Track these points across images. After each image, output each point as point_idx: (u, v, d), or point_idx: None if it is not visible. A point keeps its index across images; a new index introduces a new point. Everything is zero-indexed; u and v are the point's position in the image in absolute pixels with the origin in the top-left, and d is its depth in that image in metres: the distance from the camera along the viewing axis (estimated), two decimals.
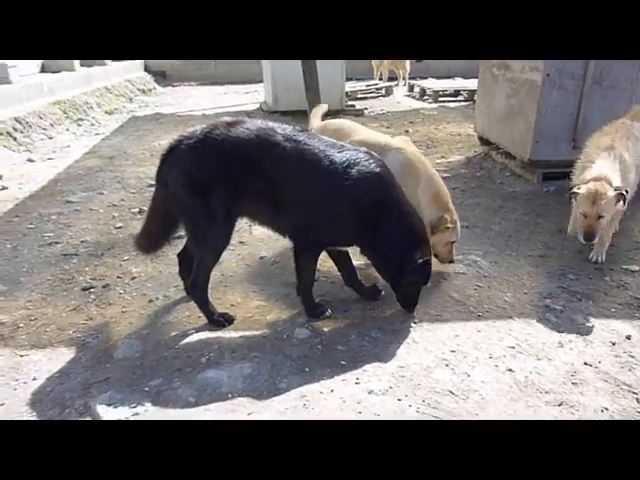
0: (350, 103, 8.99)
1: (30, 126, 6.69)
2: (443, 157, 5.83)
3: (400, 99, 10.21)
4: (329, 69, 8.02)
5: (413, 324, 2.58)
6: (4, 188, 4.83)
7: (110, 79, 10.53)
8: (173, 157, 2.45)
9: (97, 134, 7.30)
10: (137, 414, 1.96)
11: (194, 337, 2.48)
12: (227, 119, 2.53)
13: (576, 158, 4.20)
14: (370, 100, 10.12)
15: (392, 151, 3.06)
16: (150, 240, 2.73)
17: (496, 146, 5.31)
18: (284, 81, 8.09)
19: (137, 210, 4.22)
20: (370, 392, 2.08)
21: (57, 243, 3.59)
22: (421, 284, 2.59)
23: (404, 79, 11.77)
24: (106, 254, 3.43)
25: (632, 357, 2.33)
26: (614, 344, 2.42)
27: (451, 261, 3.07)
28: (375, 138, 3.25)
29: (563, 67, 4.27)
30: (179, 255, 2.86)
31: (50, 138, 6.84)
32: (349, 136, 3.22)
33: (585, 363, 2.29)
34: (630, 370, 2.25)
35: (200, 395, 2.07)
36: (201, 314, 2.63)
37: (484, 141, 5.61)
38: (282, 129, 2.47)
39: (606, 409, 2.02)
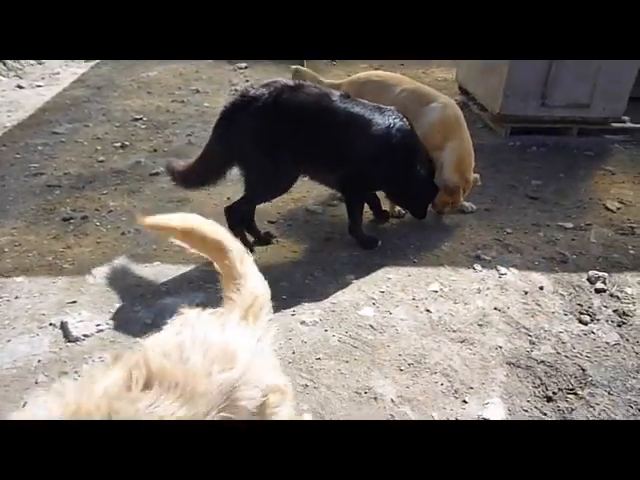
0: None
1: None
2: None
3: None
4: None
5: (352, 267, 2.90)
6: None
7: None
8: (243, 116, 2.70)
9: (86, 62, 7.32)
10: (101, 331, 2.32)
11: (158, 268, 2.80)
12: (289, 83, 2.81)
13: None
14: None
15: (436, 104, 3.34)
16: (197, 179, 2.95)
17: (473, 97, 5.44)
18: None
19: (119, 145, 4.43)
20: (302, 323, 2.44)
21: (42, 174, 3.85)
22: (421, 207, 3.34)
23: None
24: (87, 187, 3.70)
25: (538, 305, 2.68)
26: (526, 293, 2.76)
27: (440, 212, 3.45)
28: (424, 89, 3.49)
29: None
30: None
31: (40, 63, 6.90)
32: (396, 87, 3.43)
33: (495, 308, 2.63)
34: (532, 316, 2.60)
35: (156, 318, 2.42)
36: (167, 248, 2.95)
37: (463, 91, 5.73)
38: (335, 96, 2.84)
39: (500, 347, 2.38)
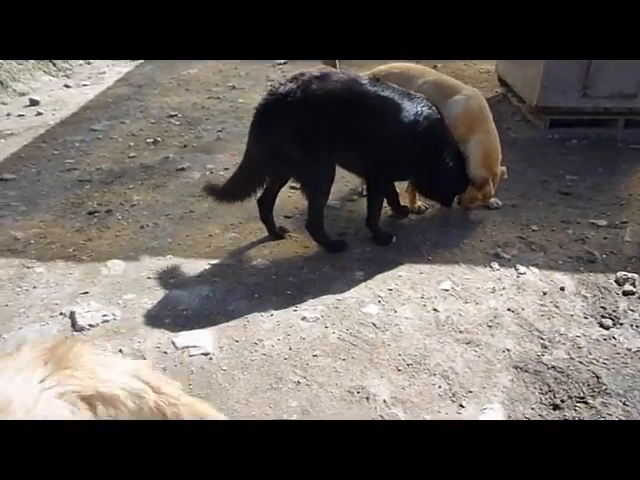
0: None
1: None
2: None
3: None
4: None
5: (363, 263, 2.85)
6: (39, 114, 5.27)
7: None
8: (278, 114, 2.69)
9: (132, 61, 7.57)
10: (106, 321, 2.39)
11: (170, 261, 2.85)
12: (315, 73, 2.77)
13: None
14: None
15: (459, 96, 3.22)
16: (236, 191, 2.93)
17: (512, 88, 5.21)
18: None
19: (152, 140, 4.55)
20: (303, 318, 2.41)
21: (75, 169, 4.01)
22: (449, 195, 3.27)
23: None
24: (115, 182, 3.83)
25: (556, 307, 2.53)
26: (545, 294, 2.61)
27: (467, 208, 3.34)
28: (446, 80, 3.38)
29: None
30: (259, 201, 3.04)
31: (88, 64, 7.19)
32: (418, 78, 3.31)
33: (508, 309, 2.50)
34: (548, 319, 2.45)
35: (161, 310, 2.46)
36: (181, 242, 3.00)
37: (503, 82, 5.50)
38: (364, 80, 2.81)
39: (508, 350, 2.26)
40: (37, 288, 2.65)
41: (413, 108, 2.86)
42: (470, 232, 3.16)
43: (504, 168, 3.31)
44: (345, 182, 3.62)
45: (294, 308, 2.49)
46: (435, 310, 2.49)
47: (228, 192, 2.96)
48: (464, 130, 3.16)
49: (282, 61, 7.23)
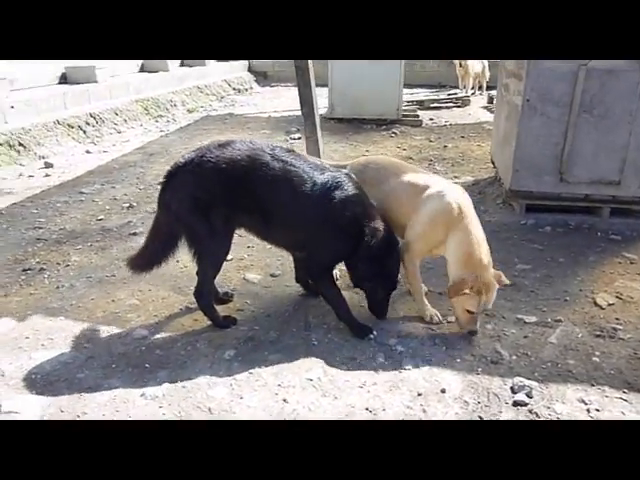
0: (413, 113, 8.84)
1: (103, 121, 7.70)
2: (456, 177, 5.61)
3: (475, 111, 9.76)
4: (385, 76, 8.05)
5: (242, 341, 2.70)
6: (47, 175, 5.72)
7: (205, 79, 11.51)
8: (174, 182, 2.72)
9: (162, 131, 8.13)
10: None
11: (58, 323, 2.86)
12: (218, 141, 2.80)
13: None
14: (443, 110, 9.83)
15: (432, 191, 2.82)
16: (148, 260, 2.93)
17: (497, 170, 5.00)
18: (340, 89, 8.27)
19: (127, 205, 4.76)
20: (142, 395, 2.29)
21: (40, 228, 4.24)
22: (381, 292, 2.82)
23: (481, 89, 11.19)
24: (68, 242, 3.99)
25: (424, 412, 2.23)
26: (420, 395, 2.33)
27: (471, 332, 2.69)
28: (421, 177, 2.99)
29: (546, 93, 3.93)
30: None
31: (119, 132, 7.80)
32: (392, 177, 3.02)
33: (366, 408, 2.25)
34: None
35: (15, 371, 2.45)
36: (82, 304, 3.02)
37: (493, 163, 5.30)
38: (270, 149, 2.71)
39: None
40: None
41: (322, 182, 2.66)
42: (372, 316, 2.91)
43: (499, 272, 2.72)
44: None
45: (142, 383, 2.38)
46: (284, 401, 2.28)
47: (138, 262, 2.94)
48: (440, 230, 2.74)
49: (297, 135, 7.47)
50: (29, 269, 3.52)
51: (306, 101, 4.99)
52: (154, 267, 2.94)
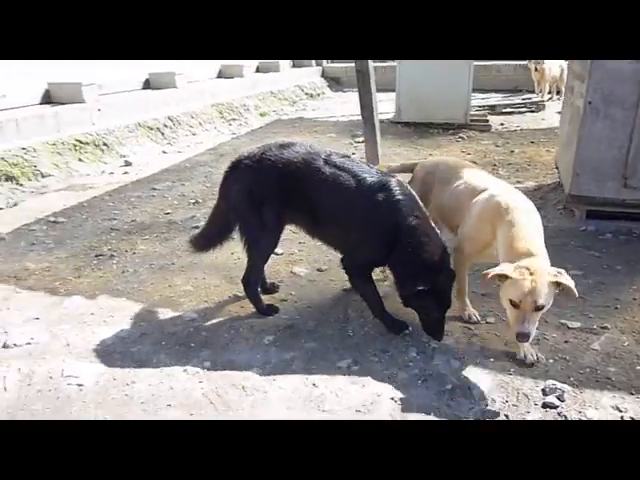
0: (482, 118, 8.67)
1: (180, 123, 8.19)
2: (519, 182, 5.47)
3: (549, 116, 9.39)
4: (453, 80, 7.98)
5: (279, 331, 2.85)
6: (125, 173, 6.20)
7: (278, 84, 11.88)
8: (235, 174, 2.96)
9: (233, 133, 8.52)
10: (29, 344, 2.72)
11: (119, 303, 3.15)
12: (280, 142, 3.00)
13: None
14: (516, 115, 9.55)
15: (483, 195, 2.78)
16: (206, 241, 3.21)
17: (560, 175, 4.84)
18: (408, 93, 8.28)
19: (194, 201, 5.08)
20: (185, 370, 2.50)
21: (114, 219, 4.64)
22: (432, 311, 2.62)
23: (559, 93, 10.71)
24: (137, 232, 4.34)
25: (448, 407, 2.27)
26: (446, 390, 2.36)
27: (520, 336, 2.28)
28: (478, 179, 2.95)
29: (609, 94, 3.78)
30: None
31: (194, 134, 8.26)
32: (456, 179, 3.03)
33: (392, 398, 2.31)
34: None
35: (78, 342, 2.74)
36: (142, 288, 3.30)
37: (557, 168, 5.13)
38: (326, 154, 2.85)
39: None
40: (1, 311, 3.11)
41: (368, 184, 2.70)
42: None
43: (560, 270, 2.35)
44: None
45: (185, 360, 2.59)
46: (314, 385, 2.40)
47: (198, 242, 3.22)
48: (488, 230, 2.65)
49: (361, 139, 7.56)
50: (101, 255, 3.88)
51: (366, 105, 5.10)
52: (210, 249, 3.21)
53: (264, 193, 2.84)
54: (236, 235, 3.05)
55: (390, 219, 2.67)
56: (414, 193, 2.77)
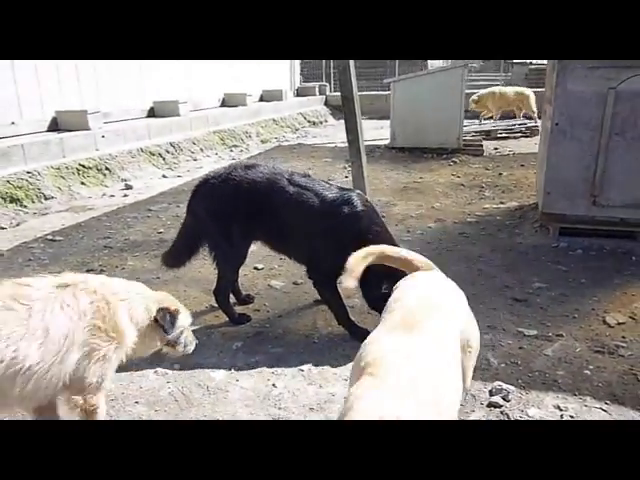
0: (476, 143, 8.88)
1: (181, 149, 8.51)
2: (502, 203, 5.64)
3: None
4: (446, 106, 8.22)
5: (249, 337, 3.01)
6: (125, 195, 6.47)
7: (281, 112, 12.26)
8: (202, 191, 3.16)
9: (233, 159, 8.82)
10: None
11: None
12: (245, 162, 3.23)
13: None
14: (510, 140, 9.76)
15: None
16: (175, 257, 3.39)
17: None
18: (402, 119, 8.55)
19: None
20: (155, 372, 2.66)
21: (109, 238, 4.87)
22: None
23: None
24: (129, 250, 4.55)
25: None
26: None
27: None
28: None
29: (574, 116, 3.97)
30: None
31: (194, 160, 8.57)
32: None
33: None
34: None
35: None
36: None
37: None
38: (289, 174, 3.06)
39: None
40: None
41: (330, 199, 2.89)
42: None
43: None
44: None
45: (157, 362, 2.74)
46: (273, 385, 2.54)
47: (167, 259, 3.40)
48: None
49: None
50: (92, 270, 4.08)
51: (351, 129, 5.31)
52: (180, 264, 3.37)
53: (229, 211, 3.02)
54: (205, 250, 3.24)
55: (354, 228, 2.86)
56: (373, 205, 2.96)
